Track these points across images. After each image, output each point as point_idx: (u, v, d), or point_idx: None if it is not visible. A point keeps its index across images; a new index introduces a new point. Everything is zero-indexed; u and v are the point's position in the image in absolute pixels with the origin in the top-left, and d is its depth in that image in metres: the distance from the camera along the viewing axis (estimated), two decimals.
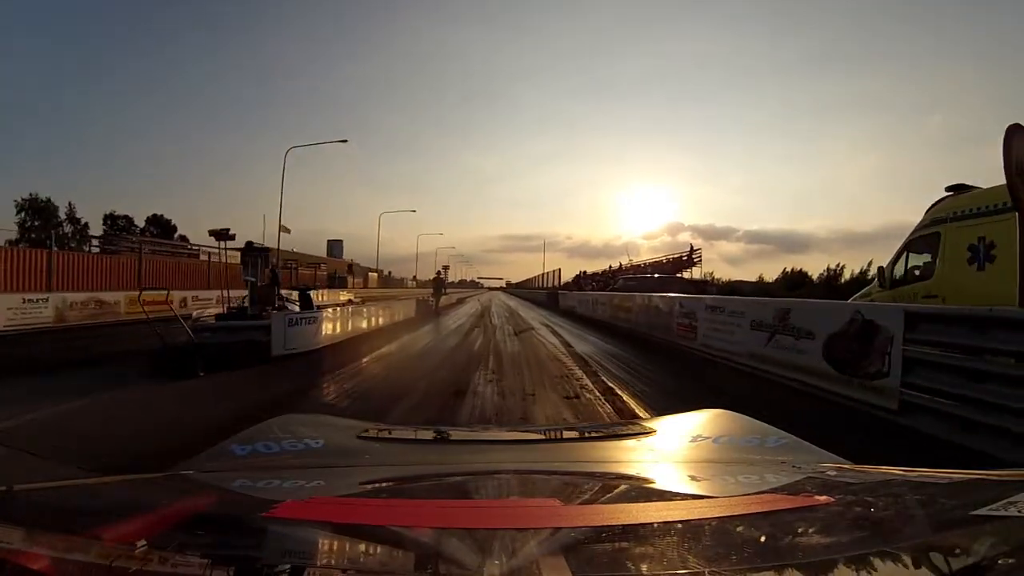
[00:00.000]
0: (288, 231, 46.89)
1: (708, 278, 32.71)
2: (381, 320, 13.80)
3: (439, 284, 23.10)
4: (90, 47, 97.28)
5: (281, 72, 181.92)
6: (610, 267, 40.87)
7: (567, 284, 39.74)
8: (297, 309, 10.14)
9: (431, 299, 22.07)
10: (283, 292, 10.53)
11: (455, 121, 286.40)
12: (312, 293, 11.17)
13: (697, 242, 37.81)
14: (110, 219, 51.47)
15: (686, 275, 30.43)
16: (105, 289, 18.66)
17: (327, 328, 9.37)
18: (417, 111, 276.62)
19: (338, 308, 10.99)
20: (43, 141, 75.93)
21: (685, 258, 36.06)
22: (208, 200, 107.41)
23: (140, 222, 54.17)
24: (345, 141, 29.59)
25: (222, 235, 8.46)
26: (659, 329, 10.56)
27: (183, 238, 45.10)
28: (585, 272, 39.70)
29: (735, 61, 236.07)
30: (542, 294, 39.75)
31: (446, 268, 43.53)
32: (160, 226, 57.77)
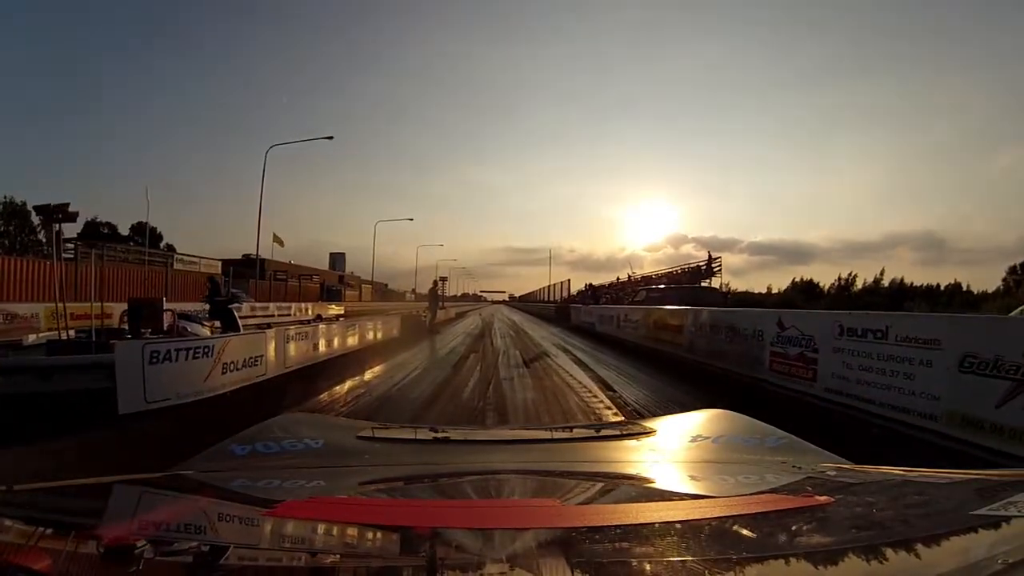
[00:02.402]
0: (281, 243, 45.05)
1: (726, 289, 29.60)
2: (351, 341, 10.53)
3: (435, 297, 19.78)
4: (80, 47, 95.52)
5: (286, 84, 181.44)
6: (617, 279, 37.67)
7: (574, 297, 36.29)
8: (206, 332, 6.91)
9: (424, 314, 18.89)
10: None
11: (460, 134, 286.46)
12: (283, 307, 8.15)
13: (701, 254, 34.66)
14: (92, 226, 49.05)
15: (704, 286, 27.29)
16: (27, 300, 15.42)
17: (242, 360, 6.09)
18: (423, 124, 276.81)
19: (274, 329, 7.68)
20: (27, 146, 73.15)
21: (704, 267, 32.68)
22: (208, 212, 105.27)
23: (125, 230, 52.32)
24: (331, 138, 27.13)
25: (51, 214, 5.10)
26: (733, 360, 7.23)
27: (170, 247, 42.70)
28: (592, 284, 36.33)
29: (738, 73, 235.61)
30: (549, 308, 36.33)
31: (443, 279, 40.43)
32: (144, 234, 55.23)
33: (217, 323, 7.78)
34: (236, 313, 7.15)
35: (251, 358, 6.38)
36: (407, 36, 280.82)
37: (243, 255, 39.49)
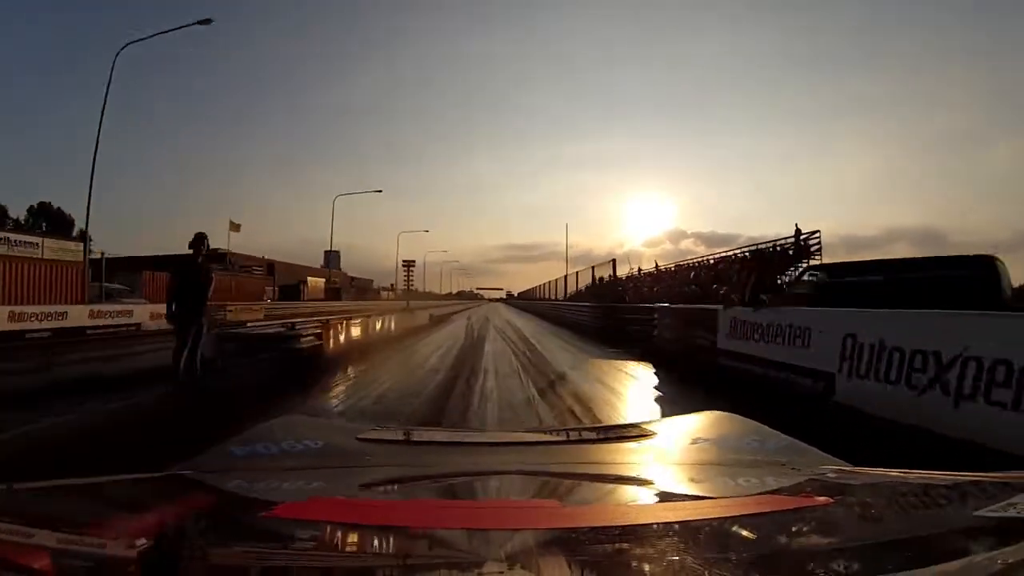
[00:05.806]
0: (237, 229, 34.56)
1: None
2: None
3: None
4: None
5: (278, 75, 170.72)
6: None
7: (618, 293, 24.02)
8: None
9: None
10: None
11: (457, 130, 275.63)
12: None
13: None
14: None
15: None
16: None
17: None
18: (421, 120, 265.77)
19: None
20: None
21: (791, 248, 21.47)
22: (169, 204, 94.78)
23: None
24: (209, 21, 18.59)
25: None
26: None
27: (83, 233, 32.62)
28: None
29: (738, 67, 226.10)
30: (564, 310, 25.14)
31: (409, 262, 28.84)
32: (49, 218, 44.65)
33: None
34: None
35: None
36: (406, 28, 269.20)
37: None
